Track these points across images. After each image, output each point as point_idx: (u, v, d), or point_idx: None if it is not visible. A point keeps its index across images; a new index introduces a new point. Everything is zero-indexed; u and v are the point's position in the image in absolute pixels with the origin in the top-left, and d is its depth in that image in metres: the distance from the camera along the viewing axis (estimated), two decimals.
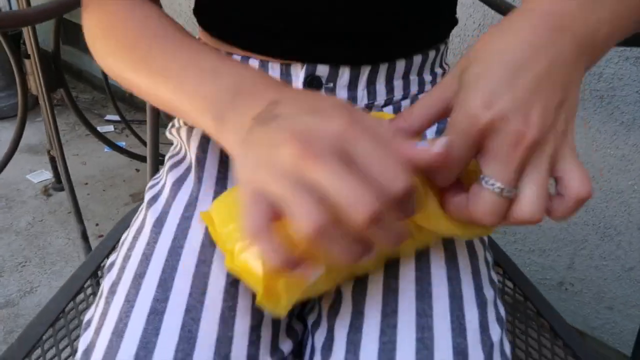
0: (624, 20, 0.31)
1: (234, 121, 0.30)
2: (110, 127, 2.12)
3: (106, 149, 1.92)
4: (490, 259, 0.46)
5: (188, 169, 0.47)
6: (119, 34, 0.39)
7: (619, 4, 0.31)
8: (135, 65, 0.37)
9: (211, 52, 0.36)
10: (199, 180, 0.45)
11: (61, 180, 1.67)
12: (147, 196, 0.47)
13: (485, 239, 0.47)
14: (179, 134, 0.53)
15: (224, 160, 0.47)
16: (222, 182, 0.45)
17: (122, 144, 1.96)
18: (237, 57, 0.47)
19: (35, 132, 1.92)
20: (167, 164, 0.51)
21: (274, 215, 0.26)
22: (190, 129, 0.51)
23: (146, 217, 0.43)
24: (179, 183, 0.45)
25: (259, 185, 0.26)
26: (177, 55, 0.36)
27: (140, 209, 0.48)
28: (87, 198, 1.61)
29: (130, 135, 1.83)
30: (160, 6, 0.46)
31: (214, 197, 0.43)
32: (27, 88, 1.25)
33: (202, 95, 0.33)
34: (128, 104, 2.34)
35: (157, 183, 0.49)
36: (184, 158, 0.50)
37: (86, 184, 1.69)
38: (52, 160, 1.62)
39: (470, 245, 0.42)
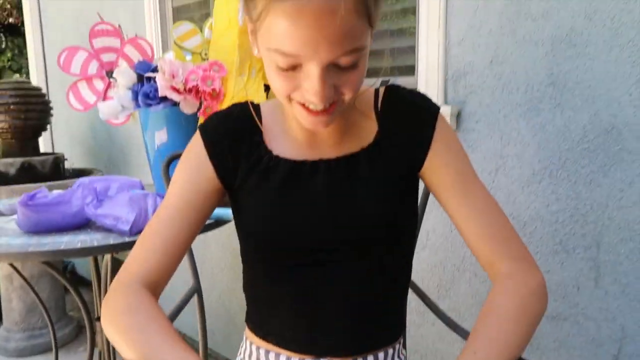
0: None
1: None
2: None
3: None
4: None
5: None
6: (130, 320, 0.63)
7: None
8: (131, 344, 0.61)
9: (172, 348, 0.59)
10: None
11: None
12: None
13: None
14: None
15: None
16: None
17: None
18: (272, 353, 0.78)
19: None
20: None
21: None
22: None
23: None
24: None
25: None
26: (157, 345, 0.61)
27: None
28: None
29: None
30: (157, 298, 0.72)
31: None
32: (94, 344, 1.59)
33: None
34: None
35: None
36: None
37: None
38: None
39: None
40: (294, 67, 0.59)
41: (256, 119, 0.75)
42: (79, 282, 2.98)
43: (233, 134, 0.75)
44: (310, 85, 0.59)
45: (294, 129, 0.74)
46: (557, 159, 1.15)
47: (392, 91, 0.76)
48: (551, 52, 1.12)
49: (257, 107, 0.77)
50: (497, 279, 0.68)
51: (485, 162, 1.26)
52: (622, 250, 1.08)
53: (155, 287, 0.70)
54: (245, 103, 0.77)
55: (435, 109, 0.74)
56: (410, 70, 1.45)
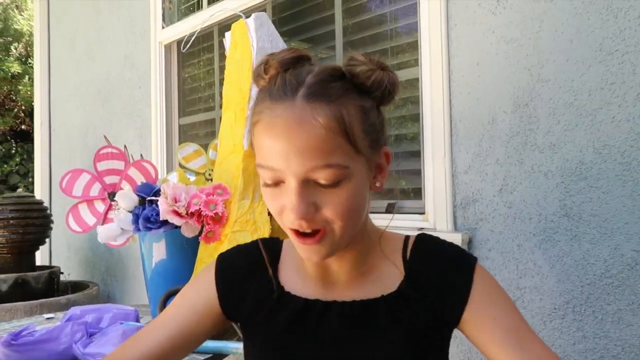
0: None
1: None
2: None
3: None
4: None
5: None
6: None
7: None
8: None
9: None
10: None
11: None
12: None
13: None
14: None
15: None
16: None
17: None
18: None
19: None
20: None
21: None
22: None
23: None
24: None
25: None
26: None
27: None
28: None
29: None
30: None
31: None
32: None
33: None
34: None
35: None
36: None
37: None
38: None
39: None
40: (277, 183, 0.60)
41: (265, 256, 0.73)
42: None
43: (246, 267, 0.74)
44: (289, 199, 0.58)
45: (308, 264, 0.70)
46: (579, 292, 1.08)
47: (424, 240, 0.71)
48: (562, 183, 1.10)
49: (278, 243, 0.76)
50: None
51: None
52: None
53: None
54: (261, 239, 0.76)
55: (472, 260, 0.69)
56: (418, 193, 1.43)
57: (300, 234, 0.60)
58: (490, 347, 0.65)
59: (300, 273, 0.71)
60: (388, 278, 0.69)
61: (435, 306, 0.67)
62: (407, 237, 0.72)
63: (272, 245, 0.75)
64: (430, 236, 0.72)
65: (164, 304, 1.12)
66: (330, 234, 0.61)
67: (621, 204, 1.02)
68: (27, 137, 5.99)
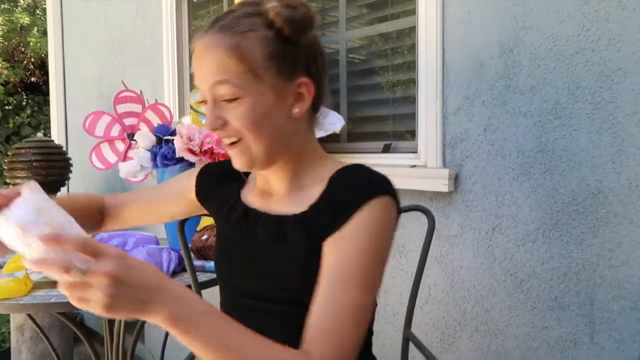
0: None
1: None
2: None
3: None
4: None
5: None
6: None
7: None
8: None
9: None
10: None
11: None
12: None
13: None
14: None
15: None
16: None
17: None
18: None
19: None
20: None
21: None
22: None
23: None
24: None
25: None
26: None
27: None
28: None
29: None
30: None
31: None
32: None
33: None
34: None
35: None
36: None
37: None
38: None
39: None
40: (204, 102, 0.74)
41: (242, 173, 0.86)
42: (87, 334, 2.99)
43: (224, 175, 0.89)
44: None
45: (258, 181, 0.85)
46: (549, 219, 1.22)
47: (349, 168, 0.77)
48: (539, 122, 1.22)
49: None
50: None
51: (483, 221, 1.34)
52: (614, 308, 1.13)
53: (108, 204, 0.97)
54: None
55: (370, 194, 0.70)
56: (411, 134, 1.56)
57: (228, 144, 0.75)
58: (321, 272, 0.70)
59: (254, 188, 0.85)
60: (311, 198, 0.75)
61: (326, 227, 0.71)
62: (344, 166, 0.77)
63: None
64: (359, 165, 0.76)
65: (182, 226, 1.28)
66: (245, 145, 0.73)
67: (589, 140, 1.15)
68: (37, 89, 6.08)
